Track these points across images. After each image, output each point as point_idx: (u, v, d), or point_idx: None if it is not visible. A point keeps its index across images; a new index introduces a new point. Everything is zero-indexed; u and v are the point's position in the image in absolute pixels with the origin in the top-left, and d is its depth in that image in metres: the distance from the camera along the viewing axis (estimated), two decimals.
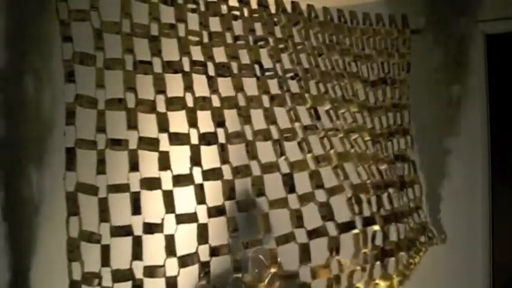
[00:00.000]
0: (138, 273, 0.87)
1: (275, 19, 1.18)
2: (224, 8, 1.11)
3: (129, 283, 0.87)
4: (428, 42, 1.52)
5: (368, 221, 1.08)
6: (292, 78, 1.15)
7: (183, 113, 1.00)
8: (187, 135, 0.99)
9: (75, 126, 0.88)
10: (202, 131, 1.00)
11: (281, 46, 1.16)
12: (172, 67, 1.01)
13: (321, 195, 1.04)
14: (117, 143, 0.92)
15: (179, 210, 0.94)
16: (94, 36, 0.94)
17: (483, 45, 1.52)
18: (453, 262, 1.45)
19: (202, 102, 1.02)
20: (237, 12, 1.13)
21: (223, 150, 1.01)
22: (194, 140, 1.00)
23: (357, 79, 1.32)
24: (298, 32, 1.23)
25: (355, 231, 1.05)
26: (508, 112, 1.51)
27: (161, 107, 0.98)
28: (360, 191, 1.07)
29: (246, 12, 1.14)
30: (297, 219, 1.01)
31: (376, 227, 1.09)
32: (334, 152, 1.09)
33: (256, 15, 1.16)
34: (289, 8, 1.22)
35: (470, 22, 1.52)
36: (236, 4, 1.14)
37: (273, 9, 1.20)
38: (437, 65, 1.53)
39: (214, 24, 1.10)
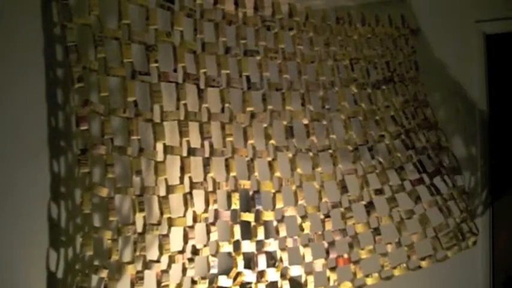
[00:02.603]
0: (139, 266, 1.02)
1: (268, 24, 1.28)
2: (219, 14, 1.21)
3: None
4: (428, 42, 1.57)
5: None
6: (276, 89, 1.28)
7: (175, 123, 1.14)
8: (179, 148, 1.13)
9: (87, 129, 0.99)
10: (192, 142, 1.15)
11: (270, 55, 1.27)
12: (167, 77, 1.13)
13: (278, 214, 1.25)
14: (122, 151, 1.05)
15: (172, 214, 1.09)
16: (93, 42, 1.02)
17: (483, 45, 1.55)
18: (453, 261, 1.46)
19: (193, 117, 1.16)
20: (231, 19, 1.22)
21: (208, 165, 1.17)
22: (184, 152, 1.14)
23: (352, 83, 1.40)
24: (291, 38, 1.33)
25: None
26: (508, 112, 1.53)
27: (157, 117, 1.11)
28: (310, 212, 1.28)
29: (240, 16, 1.23)
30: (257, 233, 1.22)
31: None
32: (297, 173, 1.28)
33: (250, 21, 1.25)
34: (285, 10, 1.30)
35: (470, 22, 1.55)
36: (231, 9, 1.23)
37: (269, 12, 1.28)
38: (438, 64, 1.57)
39: (208, 31, 1.20)
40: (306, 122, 1.33)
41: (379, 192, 1.38)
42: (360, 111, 1.42)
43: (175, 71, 1.15)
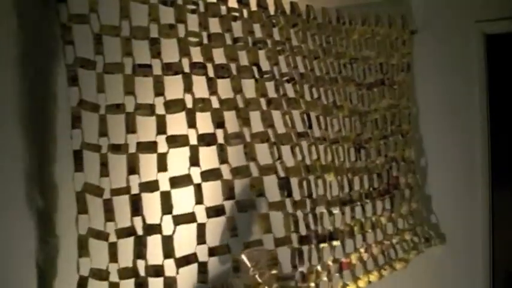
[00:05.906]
0: (142, 271, 0.94)
1: (273, 20, 1.26)
2: (223, 9, 1.17)
3: (133, 280, 0.94)
4: (428, 42, 1.60)
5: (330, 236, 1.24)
6: (288, 81, 1.24)
7: (182, 114, 1.07)
8: (186, 137, 1.05)
9: (81, 129, 0.95)
10: (201, 131, 1.07)
11: (279, 48, 1.24)
12: (172, 69, 1.07)
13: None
14: (117, 148, 0.98)
15: (178, 211, 1.01)
16: (93, 40, 0.99)
17: (483, 45, 1.57)
18: (453, 260, 1.55)
19: (202, 104, 1.09)
20: (236, 14, 1.19)
21: (222, 151, 1.08)
22: (193, 140, 1.05)
23: (351, 82, 1.41)
24: (295, 33, 1.32)
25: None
26: (508, 112, 1.55)
27: (160, 109, 1.05)
28: (331, 205, 1.25)
29: (245, 13, 1.21)
30: (294, 223, 1.12)
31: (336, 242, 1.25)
32: (319, 163, 1.24)
33: (256, 16, 1.22)
34: (288, 9, 1.29)
35: (470, 22, 1.57)
36: (235, 5, 1.20)
37: (272, 10, 1.27)
38: (438, 64, 1.60)
39: (214, 25, 1.16)
40: (318, 113, 1.30)
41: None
42: (357, 111, 1.42)
43: (180, 62, 1.09)
